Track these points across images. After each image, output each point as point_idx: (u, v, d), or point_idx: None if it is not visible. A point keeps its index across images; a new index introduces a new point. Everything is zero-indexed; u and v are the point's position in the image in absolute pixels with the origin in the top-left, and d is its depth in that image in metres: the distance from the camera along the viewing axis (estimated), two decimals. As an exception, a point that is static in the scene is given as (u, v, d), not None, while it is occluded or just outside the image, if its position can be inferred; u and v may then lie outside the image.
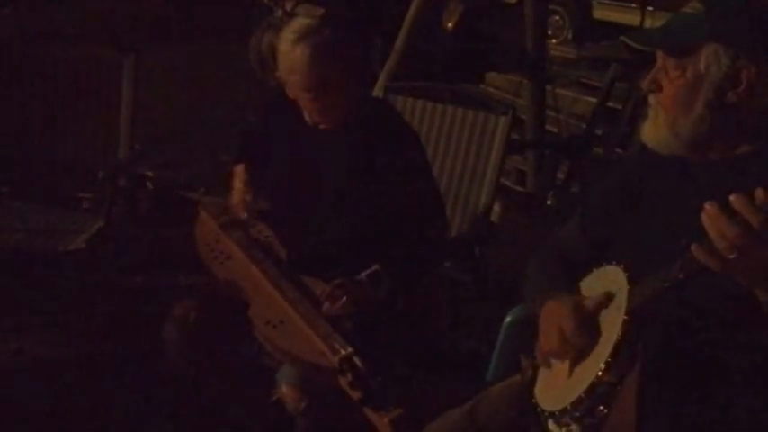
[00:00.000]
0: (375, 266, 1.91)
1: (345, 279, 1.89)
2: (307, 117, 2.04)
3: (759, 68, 1.33)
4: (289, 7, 6.48)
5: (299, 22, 1.92)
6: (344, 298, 1.86)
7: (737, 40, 1.33)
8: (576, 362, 1.45)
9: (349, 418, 1.74)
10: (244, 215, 2.16)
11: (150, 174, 3.64)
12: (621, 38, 1.45)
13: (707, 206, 1.13)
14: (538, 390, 1.56)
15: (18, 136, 2.97)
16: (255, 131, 2.35)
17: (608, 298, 1.44)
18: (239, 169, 2.24)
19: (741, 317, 1.25)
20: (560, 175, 4.25)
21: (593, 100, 4.44)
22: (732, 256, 1.11)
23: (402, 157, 2.02)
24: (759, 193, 1.11)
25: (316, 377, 1.80)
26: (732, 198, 1.11)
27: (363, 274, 1.90)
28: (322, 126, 2.04)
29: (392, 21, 4.52)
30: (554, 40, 7.15)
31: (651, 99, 1.44)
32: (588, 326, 1.44)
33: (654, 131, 1.43)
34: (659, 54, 1.42)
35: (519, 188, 4.34)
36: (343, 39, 1.92)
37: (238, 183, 2.21)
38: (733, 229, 1.10)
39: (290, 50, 1.90)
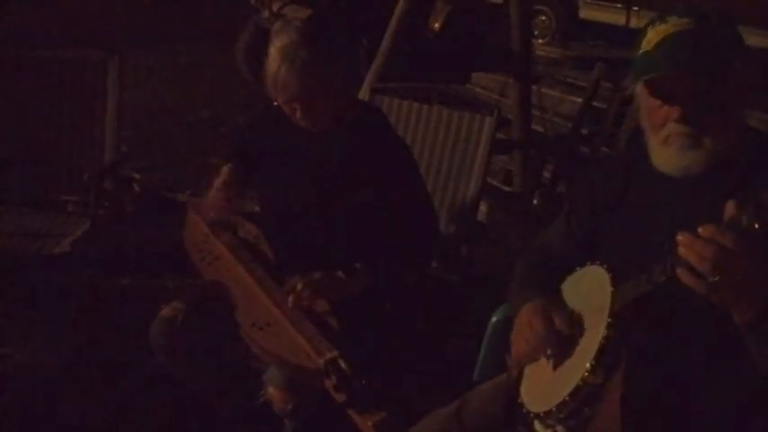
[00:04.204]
0: (356, 265, 1.93)
1: (318, 275, 1.91)
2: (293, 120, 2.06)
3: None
4: (276, 8, 6.48)
5: (282, 40, 1.93)
6: (309, 294, 1.88)
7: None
8: (558, 362, 1.46)
9: (336, 419, 1.74)
10: (212, 214, 2.17)
11: (136, 175, 3.62)
12: (644, 79, 1.40)
13: (680, 237, 1.15)
14: (524, 389, 1.57)
15: (1, 138, 2.95)
16: (246, 133, 2.36)
17: (588, 295, 1.45)
18: (224, 169, 2.25)
19: (723, 319, 1.27)
20: (546, 175, 4.27)
21: (579, 99, 4.48)
22: (716, 279, 1.13)
23: (387, 162, 2.04)
24: (729, 206, 1.13)
25: (301, 379, 1.80)
26: (700, 230, 1.13)
27: (341, 271, 1.92)
28: (309, 130, 2.05)
29: (379, 21, 4.52)
30: (540, 40, 7.17)
31: (688, 129, 1.38)
32: (558, 326, 1.46)
33: (684, 157, 1.40)
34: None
35: (505, 188, 4.35)
36: (325, 54, 1.94)
37: (218, 182, 2.22)
38: (710, 250, 1.12)
39: (275, 70, 1.93)
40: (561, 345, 1.45)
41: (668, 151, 1.41)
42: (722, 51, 1.37)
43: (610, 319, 1.35)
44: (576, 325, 1.46)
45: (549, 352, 1.48)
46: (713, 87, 1.36)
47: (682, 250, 1.15)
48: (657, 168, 1.45)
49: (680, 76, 1.36)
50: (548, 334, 1.46)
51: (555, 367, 1.47)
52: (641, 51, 1.41)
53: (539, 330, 1.47)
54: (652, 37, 1.39)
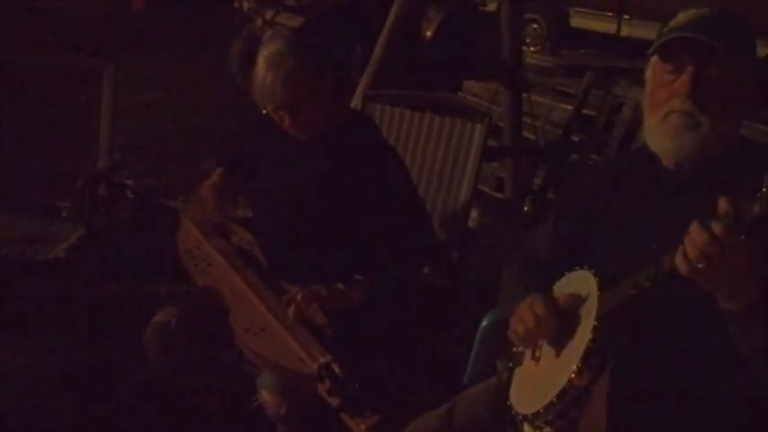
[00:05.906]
0: (357, 277, 1.94)
1: (317, 286, 1.92)
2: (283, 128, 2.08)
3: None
4: (268, 16, 6.51)
5: (269, 49, 1.97)
6: (308, 304, 1.88)
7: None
8: (546, 365, 1.49)
9: (329, 424, 1.76)
10: (201, 214, 2.22)
11: (130, 182, 3.65)
12: (663, 41, 1.44)
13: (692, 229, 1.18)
14: (513, 392, 1.59)
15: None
16: (239, 140, 2.38)
17: (577, 297, 1.48)
18: (217, 171, 2.28)
19: (708, 322, 1.29)
20: (537, 182, 4.29)
21: (570, 107, 4.50)
22: (701, 266, 1.16)
23: (377, 167, 2.07)
24: (722, 203, 1.16)
25: (295, 384, 1.82)
26: (691, 229, 1.17)
27: (341, 283, 1.93)
28: (299, 137, 2.08)
29: (372, 28, 4.55)
30: (532, 49, 7.21)
31: (691, 107, 1.42)
32: (558, 312, 1.49)
33: (679, 138, 1.43)
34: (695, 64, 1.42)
35: (497, 194, 4.38)
36: (311, 62, 1.98)
37: (208, 182, 2.25)
38: (702, 237, 1.15)
39: (261, 78, 1.97)
40: (557, 332, 1.48)
41: (665, 130, 1.44)
42: (740, 35, 1.44)
43: (595, 323, 1.38)
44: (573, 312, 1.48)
45: (548, 334, 1.50)
46: (726, 64, 1.40)
47: (687, 241, 1.18)
48: (651, 150, 1.48)
49: (697, 43, 1.39)
50: (548, 318, 1.48)
51: (543, 370, 1.50)
52: (667, 28, 1.46)
53: (539, 314, 1.49)
54: (682, 17, 1.46)
